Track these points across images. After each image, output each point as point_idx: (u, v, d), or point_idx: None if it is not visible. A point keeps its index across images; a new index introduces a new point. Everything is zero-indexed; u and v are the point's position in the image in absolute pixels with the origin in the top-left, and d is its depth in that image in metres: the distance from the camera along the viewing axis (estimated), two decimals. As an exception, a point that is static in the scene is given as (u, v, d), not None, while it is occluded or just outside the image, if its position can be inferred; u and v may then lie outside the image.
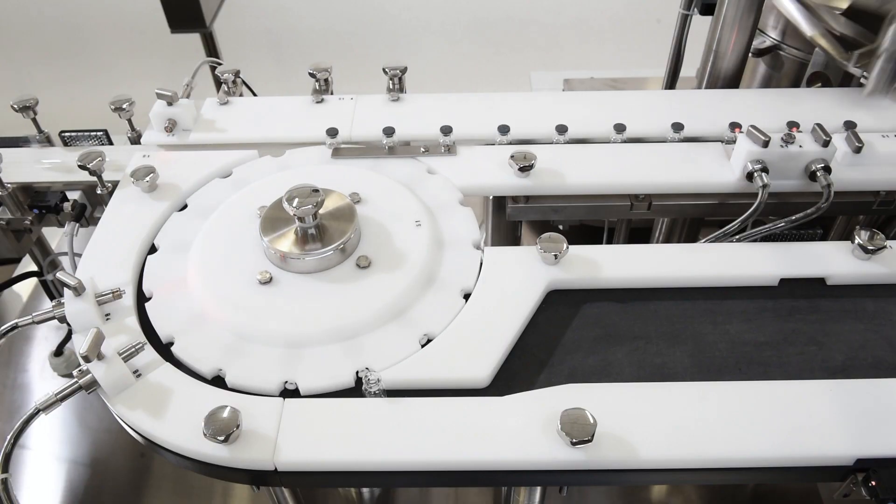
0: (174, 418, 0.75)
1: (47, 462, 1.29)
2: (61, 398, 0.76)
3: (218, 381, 0.80)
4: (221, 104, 1.20)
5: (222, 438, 0.70)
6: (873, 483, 0.70)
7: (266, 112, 1.18)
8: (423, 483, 1.07)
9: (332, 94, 1.23)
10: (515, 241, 1.21)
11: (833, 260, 0.90)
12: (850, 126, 1.07)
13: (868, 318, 0.86)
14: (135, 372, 0.79)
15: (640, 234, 1.41)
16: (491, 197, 1.07)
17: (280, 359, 0.80)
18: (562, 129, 1.09)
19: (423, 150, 1.08)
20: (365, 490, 1.27)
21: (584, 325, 0.85)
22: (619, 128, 1.10)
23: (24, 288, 1.64)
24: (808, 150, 0.97)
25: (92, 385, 0.76)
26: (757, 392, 0.76)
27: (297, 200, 0.84)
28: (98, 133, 1.25)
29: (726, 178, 1.01)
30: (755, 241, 0.95)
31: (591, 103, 1.17)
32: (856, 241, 0.89)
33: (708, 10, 1.24)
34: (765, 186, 0.96)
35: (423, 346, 0.81)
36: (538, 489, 0.95)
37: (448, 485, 1.16)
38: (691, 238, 1.31)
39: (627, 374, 0.80)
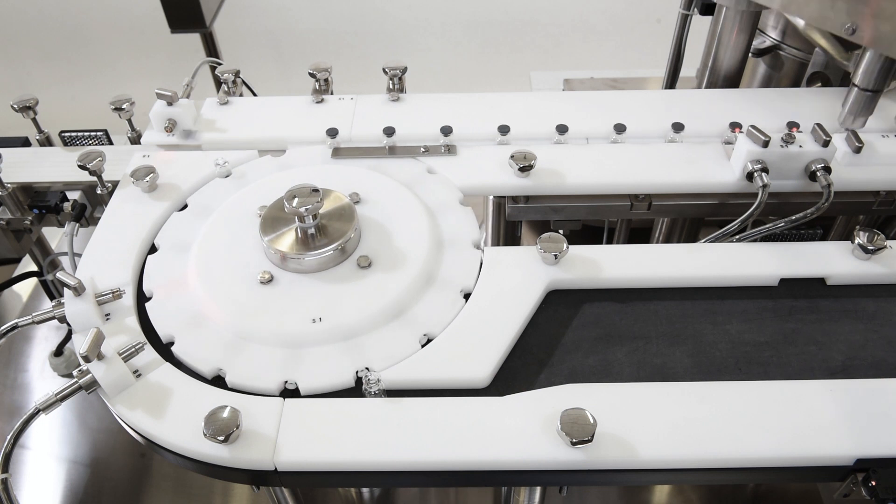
0: (174, 418, 0.75)
1: (47, 462, 1.29)
2: (61, 398, 0.76)
3: (218, 381, 0.80)
4: (221, 104, 1.20)
5: (222, 438, 0.70)
6: (873, 483, 0.70)
7: (266, 112, 1.18)
8: (423, 483, 1.07)
9: (332, 94, 1.23)
10: (515, 241, 1.21)
11: (833, 260, 0.90)
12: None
13: (868, 318, 0.86)
14: (135, 372, 0.79)
15: (640, 234, 1.41)
16: (491, 197, 1.07)
17: (280, 359, 0.80)
18: (562, 129, 1.09)
19: (423, 150, 1.08)
20: (365, 490, 1.27)
21: (584, 325, 0.85)
22: (619, 128, 1.10)
23: (24, 288, 1.64)
24: (808, 150, 0.96)
25: (92, 385, 0.76)
26: (757, 392, 0.76)
27: (297, 200, 0.84)
28: (98, 133, 1.25)
29: (726, 178, 1.01)
30: (755, 241, 0.95)
31: (591, 103, 1.17)
32: (856, 241, 0.89)
33: (708, 10, 1.24)
34: (765, 186, 0.96)
35: (423, 345, 0.81)
36: (538, 489, 0.95)
37: (448, 485, 1.16)
38: (691, 238, 1.31)
39: (627, 374, 0.80)
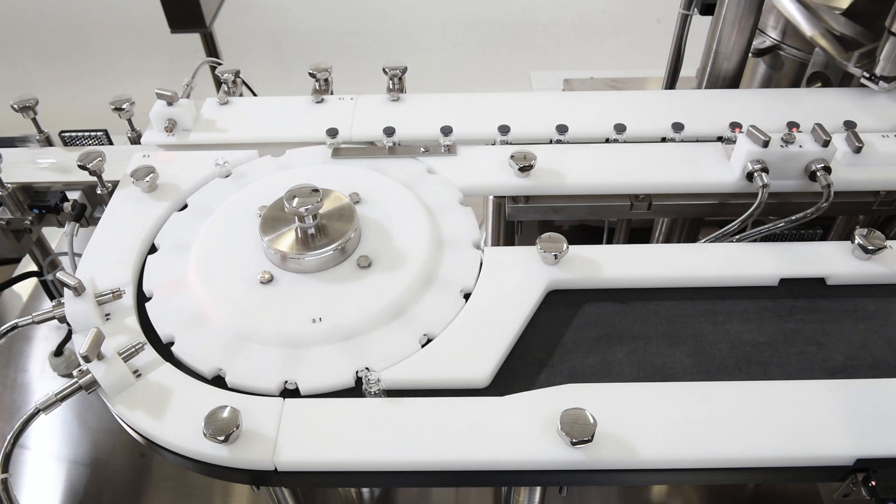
0: (174, 418, 0.75)
1: (47, 462, 1.29)
2: (61, 398, 0.76)
3: (218, 381, 0.80)
4: (221, 104, 1.20)
5: (222, 438, 0.70)
6: (873, 483, 0.70)
7: (266, 112, 1.18)
8: (423, 483, 1.06)
9: (332, 94, 1.23)
10: (515, 241, 1.21)
11: (833, 260, 0.90)
12: (850, 126, 1.07)
13: (868, 318, 0.86)
14: (135, 372, 0.79)
15: (640, 234, 1.41)
16: (491, 197, 1.07)
17: (280, 359, 0.80)
18: (562, 129, 1.09)
19: (423, 150, 1.08)
20: (365, 490, 1.27)
21: (584, 325, 0.85)
22: (620, 128, 1.10)
23: (24, 288, 1.64)
24: (808, 150, 0.96)
25: (92, 385, 0.76)
26: (757, 392, 0.76)
27: (297, 200, 0.84)
28: (98, 133, 1.25)
29: (726, 178, 1.01)
30: (755, 241, 0.95)
31: (591, 103, 1.17)
32: (856, 241, 0.89)
33: (708, 10, 1.25)
34: (765, 186, 0.96)
35: (423, 345, 0.81)
36: (538, 489, 0.95)
37: (448, 485, 1.16)
38: (691, 238, 1.31)
39: (627, 374, 0.80)
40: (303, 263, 0.87)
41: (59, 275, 0.83)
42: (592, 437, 0.69)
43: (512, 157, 1.01)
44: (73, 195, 1.15)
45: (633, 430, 0.72)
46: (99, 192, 1.07)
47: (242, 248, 0.91)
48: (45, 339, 1.50)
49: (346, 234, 0.88)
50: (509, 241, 1.18)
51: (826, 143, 0.96)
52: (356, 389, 0.78)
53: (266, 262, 0.89)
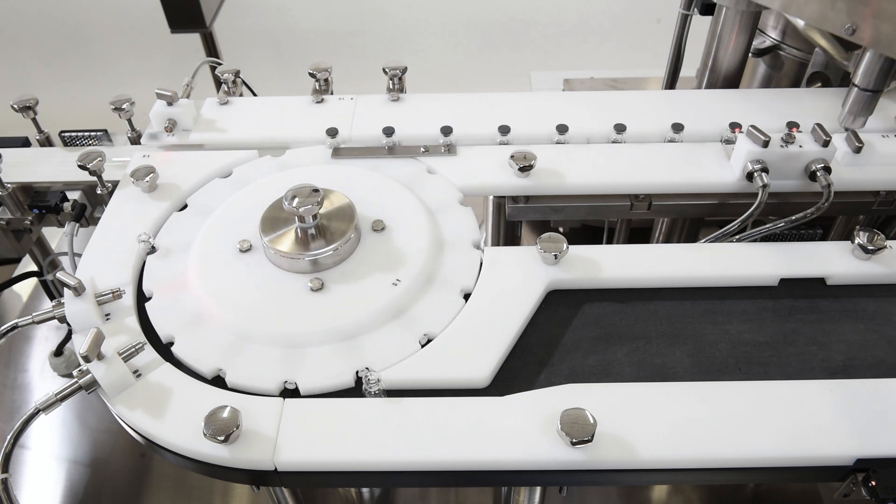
0: (174, 418, 0.75)
1: (47, 462, 1.29)
2: (61, 398, 0.76)
3: (218, 381, 0.80)
4: (221, 104, 1.20)
5: (222, 438, 0.70)
6: (873, 483, 0.70)
7: (266, 112, 1.18)
8: (423, 483, 1.07)
9: (332, 94, 1.23)
10: (515, 241, 1.21)
11: (833, 260, 0.90)
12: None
13: (868, 318, 0.86)
14: (135, 372, 0.79)
15: (640, 234, 1.41)
16: (491, 197, 1.07)
17: (281, 359, 0.80)
18: (562, 129, 1.09)
19: (423, 150, 1.08)
20: (365, 490, 1.27)
21: (584, 325, 0.85)
22: (620, 128, 1.10)
23: (24, 288, 1.64)
24: (808, 150, 0.96)
25: (92, 385, 0.76)
26: (757, 392, 0.76)
27: (297, 200, 0.84)
28: (98, 133, 1.25)
29: (726, 178, 1.01)
30: (755, 241, 0.95)
31: (591, 103, 1.17)
32: (856, 241, 0.89)
33: (708, 10, 1.24)
34: (765, 186, 0.96)
35: (423, 345, 0.81)
36: (538, 489, 0.95)
37: (448, 485, 1.16)
38: (691, 238, 1.31)
39: (627, 374, 0.80)
40: (303, 263, 0.86)
41: (59, 275, 0.83)
42: (592, 437, 0.69)
43: (512, 157, 1.01)
44: (73, 195, 1.15)
45: (633, 430, 0.72)
46: (99, 192, 1.07)
47: (241, 248, 0.91)
48: (45, 339, 1.50)
49: (347, 233, 0.88)
50: (509, 241, 1.18)
51: (826, 143, 0.96)
52: (356, 389, 0.78)
53: (265, 261, 0.89)
